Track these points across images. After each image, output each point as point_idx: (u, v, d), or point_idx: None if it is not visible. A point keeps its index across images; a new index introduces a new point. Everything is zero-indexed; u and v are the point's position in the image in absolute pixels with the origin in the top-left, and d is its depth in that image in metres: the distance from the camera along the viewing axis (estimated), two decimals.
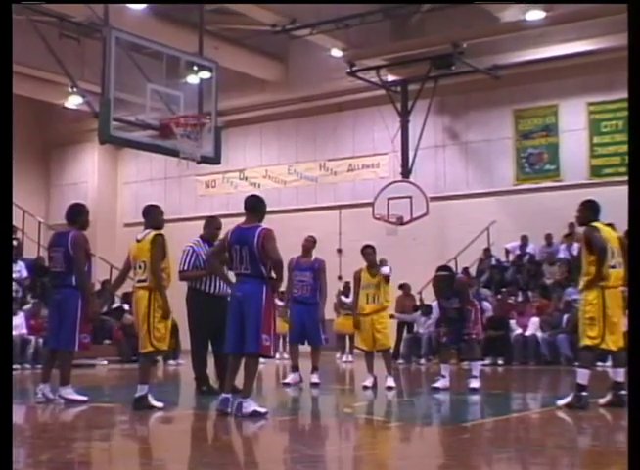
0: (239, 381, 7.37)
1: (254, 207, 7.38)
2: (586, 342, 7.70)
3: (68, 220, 8.63)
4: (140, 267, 7.80)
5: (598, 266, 7.61)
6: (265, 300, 7.05)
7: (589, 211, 7.98)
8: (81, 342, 8.34)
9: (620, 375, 7.71)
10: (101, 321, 17.34)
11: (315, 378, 10.81)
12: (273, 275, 7.17)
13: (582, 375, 7.64)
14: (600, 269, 7.60)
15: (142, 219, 8.16)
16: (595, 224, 7.83)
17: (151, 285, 7.71)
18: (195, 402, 9.08)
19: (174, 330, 17.12)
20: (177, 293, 10.04)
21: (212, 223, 9.70)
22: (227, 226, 7.78)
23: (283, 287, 17.31)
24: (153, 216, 8.10)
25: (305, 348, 11.31)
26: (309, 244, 11.07)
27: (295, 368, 11.06)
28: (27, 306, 16.26)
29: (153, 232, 7.87)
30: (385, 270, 10.50)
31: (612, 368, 7.88)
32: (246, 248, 7.05)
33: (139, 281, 7.81)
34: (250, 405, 7.07)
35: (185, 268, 9.32)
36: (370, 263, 10.52)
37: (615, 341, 7.63)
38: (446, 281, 10.21)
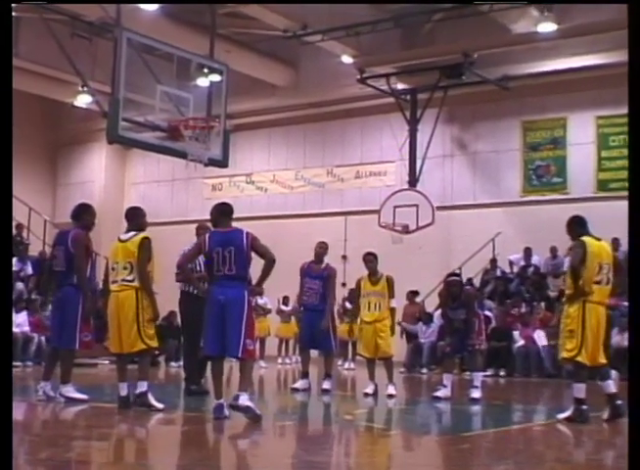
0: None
1: (228, 212, 7.54)
2: (563, 354, 7.70)
3: (72, 218, 8.66)
4: (126, 268, 7.83)
5: (574, 282, 7.60)
6: (247, 305, 7.15)
7: (576, 225, 7.89)
8: (82, 340, 8.34)
9: (610, 386, 7.70)
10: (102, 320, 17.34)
11: (326, 384, 10.75)
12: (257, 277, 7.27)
13: (578, 389, 7.61)
14: (576, 285, 7.57)
15: (148, 220, 8.27)
16: (585, 238, 7.72)
17: (137, 285, 7.75)
18: (195, 405, 9.07)
19: (177, 331, 17.14)
20: (174, 295, 10.10)
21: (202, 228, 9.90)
22: None
23: (287, 292, 17.06)
24: (136, 219, 8.17)
25: (313, 353, 11.31)
26: (322, 250, 10.90)
27: (305, 374, 11.01)
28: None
29: (140, 234, 7.91)
30: (392, 303, 10.54)
31: (600, 382, 7.83)
32: (232, 249, 7.12)
33: (123, 281, 7.82)
34: (246, 399, 7.06)
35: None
36: (371, 271, 10.50)
37: (590, 356, 7.55)
38: (457, 286, 10.23)
